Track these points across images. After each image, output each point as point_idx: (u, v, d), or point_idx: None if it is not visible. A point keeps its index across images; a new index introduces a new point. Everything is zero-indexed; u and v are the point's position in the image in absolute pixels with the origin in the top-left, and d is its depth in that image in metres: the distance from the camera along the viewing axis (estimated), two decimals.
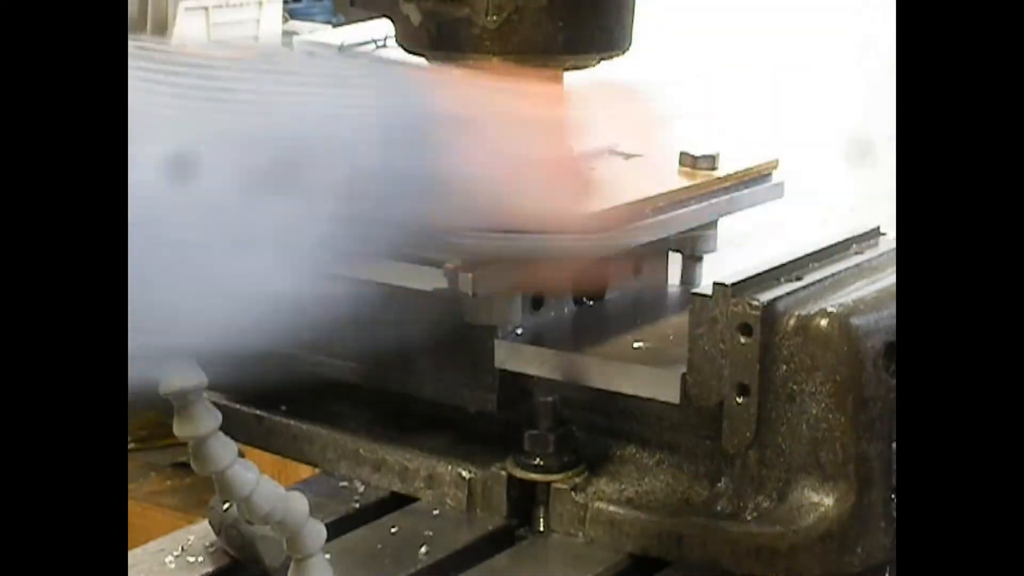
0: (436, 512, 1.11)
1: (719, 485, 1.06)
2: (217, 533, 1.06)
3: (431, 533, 1.08)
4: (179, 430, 0.88)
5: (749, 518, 1.04)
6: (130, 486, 2.85)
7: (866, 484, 1.01)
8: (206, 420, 0.88)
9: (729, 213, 1.25)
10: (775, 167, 1.27)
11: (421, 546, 1.06)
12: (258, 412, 1.19)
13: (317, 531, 0.95)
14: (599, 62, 1.11)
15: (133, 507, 2.69)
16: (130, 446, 2.99)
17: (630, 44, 1.12)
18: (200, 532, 1.07)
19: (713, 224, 1.26)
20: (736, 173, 1.24)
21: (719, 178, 1.23)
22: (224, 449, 0.89)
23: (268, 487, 0.92)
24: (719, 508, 1.05)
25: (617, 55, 1.12)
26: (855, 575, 1.02)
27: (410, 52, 1.11)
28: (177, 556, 1.06)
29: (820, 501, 1.01)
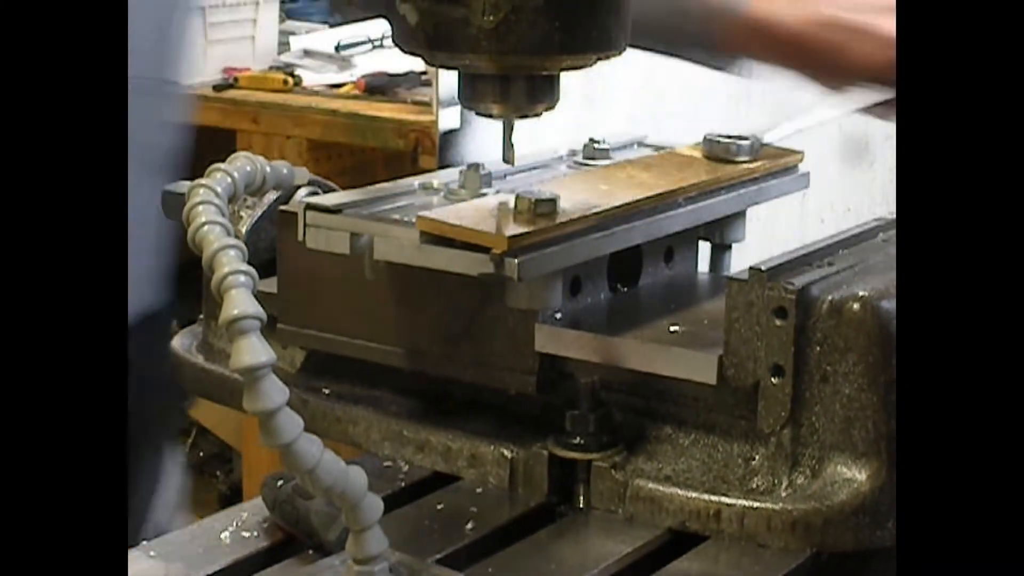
0: (479, 490, 1.14)
1: (754, 463, 1.10)
2: (271, 509, 1.08)
3: (475, 510, 1.11)
4: (248, 405, 0.91)
5: (784, 494, 1.07)
6: None
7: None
8: (275, 395, 0.91)
9: (757, 203, 1.28)
10: (801, 159, 1.31)
11: (467, 522, 1.09)
12: (303, 396, 1.22)
13: (375, 504, 0.98)
14: (596, 62, 1.12)
15: None
16: None
17: (627, 44, 1.12)
18: (254, 508, 1.10)
19: (742, 213, 1.30)
20: (764, 164, 1.28)
21: (748, 168, 1.26)
22: (291, 423, 0.92)
23: (331, 461, 0.95)
24: (754, 485, 1.09)
25: (614, 55, 1.12)
26: (887, 549, 1.06)
27: (406, 52, 1.12)
28: (232, 532, 1.08)
29: (853, 477, 1.05)
